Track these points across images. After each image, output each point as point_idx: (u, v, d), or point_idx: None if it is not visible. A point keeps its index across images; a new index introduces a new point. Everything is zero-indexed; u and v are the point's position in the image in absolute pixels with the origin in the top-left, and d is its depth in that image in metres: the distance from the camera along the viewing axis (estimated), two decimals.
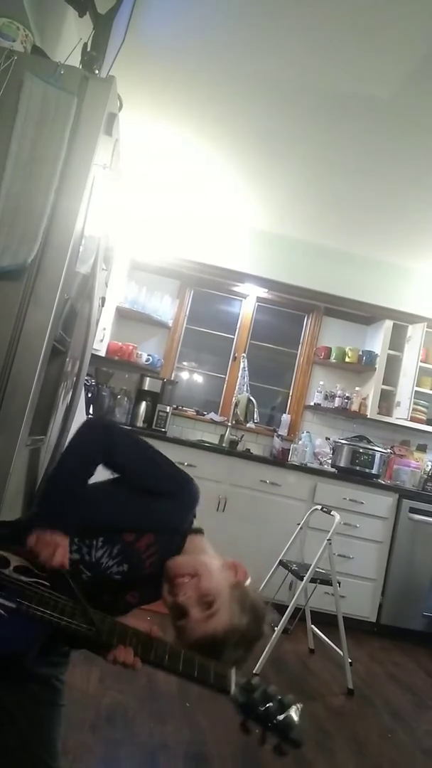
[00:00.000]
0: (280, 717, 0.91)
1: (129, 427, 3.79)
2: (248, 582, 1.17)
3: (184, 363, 4.57)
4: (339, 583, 2.93)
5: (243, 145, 3.12)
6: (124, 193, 3.06)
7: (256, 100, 2.67)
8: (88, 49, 1.89)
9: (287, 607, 2.75)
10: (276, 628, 2.67)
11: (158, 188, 3.81)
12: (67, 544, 1.07)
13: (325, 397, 4.36)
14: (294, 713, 0.92)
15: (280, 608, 2.86)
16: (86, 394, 3.71)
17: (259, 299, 4.54)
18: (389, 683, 2.93)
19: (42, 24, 2.10)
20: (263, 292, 4.46)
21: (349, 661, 2.74)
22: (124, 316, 4.19)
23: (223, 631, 1.06)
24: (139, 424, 3.96)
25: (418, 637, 3.66)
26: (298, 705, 0.94)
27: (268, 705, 0.92)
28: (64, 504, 1.12)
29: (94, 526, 1.14)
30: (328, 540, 2.83)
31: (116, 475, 1.20)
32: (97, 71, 1.88)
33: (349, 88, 2.42)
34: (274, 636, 2.65)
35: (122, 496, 1.18)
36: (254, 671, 2.59)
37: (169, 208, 4.01)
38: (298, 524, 3.15)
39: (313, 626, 3.11)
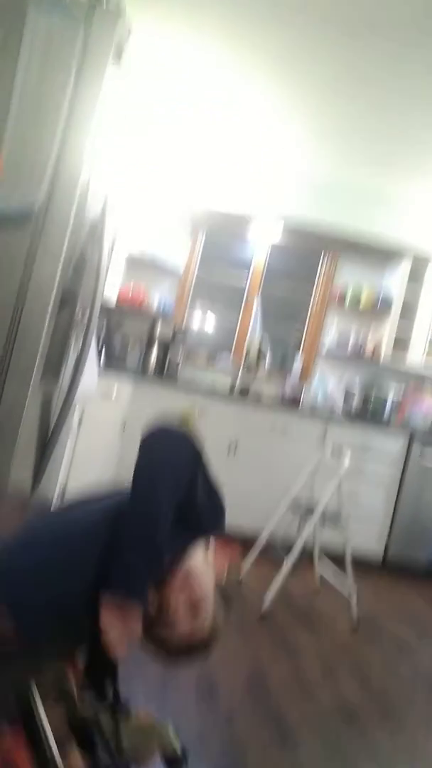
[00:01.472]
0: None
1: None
2: (229, 565, 1.13)
3: (196, 308, 4.53)
4: (347, 523, 3.00)
5: (258, 72, 2.96)
6: (133, 129, 2.95)
7: (276, 19, 2.50)
8: None
9: (295, 545, 2.83)
10: (284, 566, 2.76)
11: (169, 124, 3.66)
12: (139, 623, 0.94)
13: (339, 341, 4.32)
14: None
15: (289, 546, 2.95)
16: (98, 342, 3.71)
17: (273, 239, 4.42)
18: (393, 617, 3.04)
19: None
20: (278, 232, 4.34)
21: (355, 596, 2.85)
22: (134, 262, 4.12)
23: (208, 636, 1.04)
24: (151, 371, 3.98)
25: (422, 573, 3.77)
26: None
27: None
28: (150, 560, 0.94)
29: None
30: (338, 482, 2.88)
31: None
32: None
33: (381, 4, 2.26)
34: (282, 573, 2.75)
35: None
36: (263, 608, 2.70)
37: (179, 146, 3.86)
38: (309, 467, 3.20)
39: (320, 563, 3.22)
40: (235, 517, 3.61)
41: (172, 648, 1.01)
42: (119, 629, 0.90)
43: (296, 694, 2.05)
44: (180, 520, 0.99)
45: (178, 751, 1.06)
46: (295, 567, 2.82)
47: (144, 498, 0.95)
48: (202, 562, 1.07)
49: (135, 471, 0.98)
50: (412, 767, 1.76)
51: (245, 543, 3.50)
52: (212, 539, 1.10)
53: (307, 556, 3.15)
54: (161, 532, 0.94)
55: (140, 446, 0.99)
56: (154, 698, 1.83)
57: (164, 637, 1.00)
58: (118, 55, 1.67)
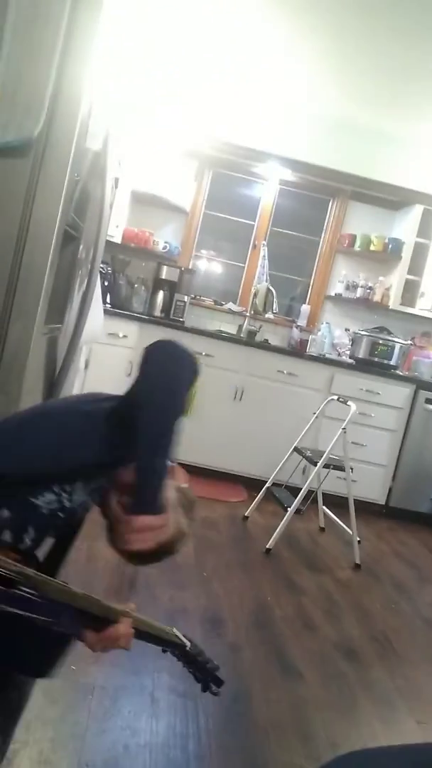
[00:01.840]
0: (211, 664, 1.08)
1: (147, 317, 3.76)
2: (186, 484, 1.10)
3: (203, 251, 4.43)
4: (351, 469, 3.03)
5: (269, 8, 2.77)
6: (136, 54, 2.80)
7: None
8: None
9: (300, 489, 2.87)
10: (289, 509, 2.81)
11: (175, 52, 3.46)
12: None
13: (347, 287, 4.24)
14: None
15: (294, 490, 2.99)
16: (102, 283, 3.65)
17: (281, 182, 4.27)
18: (395, 560, 3.11)
19: None
20: (286, 174, 4.19)
21: (358, 539, 2.90)
22: (139, 200, 4.00)
23: (172, 538, 1.02)
24: (157, 313, 3.93)
25: (424, 519, 3.83)
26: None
27: (203, 654, 1.08)
28: (164, 471, 0.94)
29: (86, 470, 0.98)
30: (343, 429, 2.89)
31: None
32: None
33: None
34: (286, 516, 2.79)
35: (117, 432, 0.97)
36: (267, 546, 2.76)
37: (186, 76, 3.67)
38: (314, 413, 3.20)
39: (324, 507, 3.27)
40: (241, 460, 3.68)
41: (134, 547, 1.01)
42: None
43: (299, 630, 2.12)
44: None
45: (186, 644, 1.06)
46: (300, 509, 2.86)
47: (162, 412, 0.96)
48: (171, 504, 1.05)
49: (149, 380, 0.98)
50: (409, 703, 1.83)
51: (251, 485, 3.56)
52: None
53: (312, 500, 3.20)
54: (167, 434, 0.95)
55: (149, 356, 1.00)
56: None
57: (126, 534, 0.98)
58: None
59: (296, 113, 3.85)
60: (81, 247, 1.69)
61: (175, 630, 1.07)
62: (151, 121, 3.75)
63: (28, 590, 0.81)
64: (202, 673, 1.08)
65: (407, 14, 2.55)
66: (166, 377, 1.00)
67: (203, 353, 3.60)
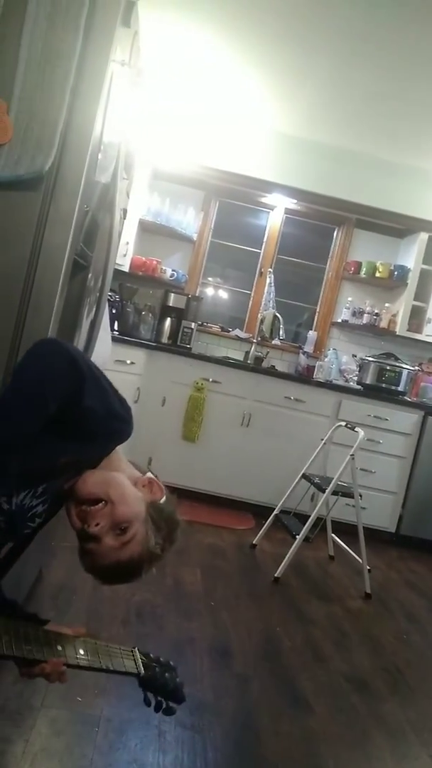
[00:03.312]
0: (171, 685, 1.06)
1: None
2: (164, 498, 1.08)
3: (209, 278, 4.48)
4: (360, 496, 3.00)
5: (269, 43, 2.88)
6: (144, 94, 2.88)
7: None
8: None
9: (309, 516, 2.84)
10: (297, 536, 2.78)
11: (181, 91, 3.57)
12: None
13: (353, 314, 4.26)
14: (176, 676, 1.08)
15: (302, 518, 2.96)
16: (110, 310, 3.69)
17: (287, 211, 4.34)
18: (405, 589, 3.06)
19: None
20: (292, 203, 4.26)
21: (368, 568, 2.86)
22: (147, 229, 4.07)
23: (138, 556, 1.01)
24: (164, 340, 3.96)
25: None
26: (175, 666, 1.10)
27: (163, 676, 1.05)
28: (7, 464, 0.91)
29: (23, 474, 0.96)
30: (351, 455, 2.87)
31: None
32: None
33: None
34: (295, 544, 2.76)
35: (55, 437, 0.95)
36: (276, 575, 2.72)
37: (193, 112, 3.77)
38: (322, 439, 3.19)
39: (333, 535, 3.23)
40: (249, 486, 3.66)
41: (100, 563, 1.01)
42: None
43: (309, 661, 2.08)
44: (74, 429, 0.96)
45: (139, 672, 1.03)
46: (309, 537, 2.83)
47: (7, 401, 0.91)
48: (128, 479, 1.05)
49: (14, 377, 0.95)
50: (422, 736, 1.78)
51: (259, 512, 3.53)
52: (145, 473, 1.10)
53: (320, 528, 3.17)
54: (12, 434, 0.90)
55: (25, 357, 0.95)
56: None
57: (93, 551, 1.00)
58: (128, 16, 1.61)
59: (300, 143, 3.93)
60: (90, 275, 1.73)
61: (136, 651, 1.06)
62: (158, 154, 3.84)
63: None
64: (160, 694, 1.05)
65: (407, 45, 2.62)
66: (18, 375, 0.95)
67: (210, 379, 3.62)
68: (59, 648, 0.93)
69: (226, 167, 3.94)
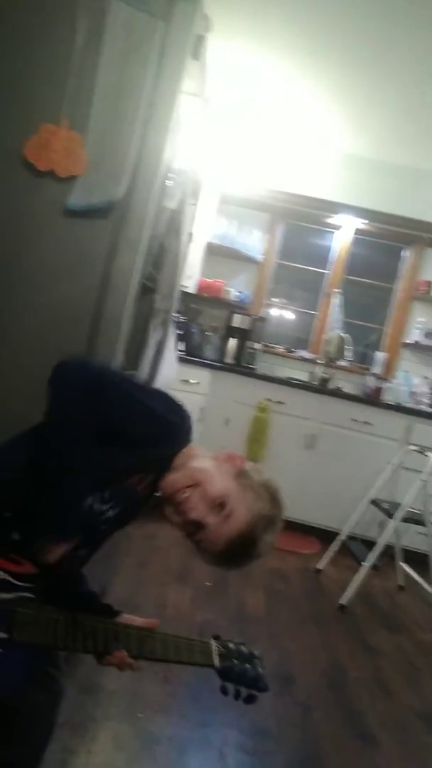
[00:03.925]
0: (251, 673, 1.05)
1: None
2: (249, 465, 1.09)
3: (275, 299, 4.49)
4: None
5: (337, 63, 2.90)
6: (212, 121, 2.97)
7: (347, 8, 2.43)
8: None
9: (376, 543, 2.75)
10: (364, 564, 2.69)
11: (247, 116, 3.65)
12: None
13: (426, 335, 4.13)
14: (258, 666, 1.07)
15: (370, 545, 2.87)
16: (176, 331, 3.77)
17: (356, 231, 4.30)
18: None
19: None
20: (360, 224, 4.21)
21: None
22: (213, 251, 4.15)
23: (247, 525, 1.01)
24: (228, 360, 3.99)
25: None
26: (259, 655, 1.09)
27: (243, 666, 1.05)
28: (69, 505, 0.93)
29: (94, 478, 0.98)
30: (423, 480, 2.77)
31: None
32: None
33: None
34: (362, 570, 2.68)
35: (109, 450, 0.96)
36: (341, 602, 2.64)
37: (259, 136, 3.84)
38: (390, 463, 3.09)
39: (403, 564, 3.11)
40: (314, 510, 3.59)
41: (216, 547, 1.02)
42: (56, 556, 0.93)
43: (375, 694, 2.00)
44: (124, 441, 0.97)
45: (214, 665, 1.03)
46: (377, 565, 2.74)
47: (55, 436, 0.93)
48: (207, 460, 1.07)
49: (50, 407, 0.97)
50: None
51: (325, 537, 3.45)
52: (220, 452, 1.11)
53: (389, 555, 3.06)
54: (74, 471, 0.92)
55: (50, 382, 0.97)
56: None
57: (204, 539, 1.01)
58: (197, 49, 1.68)
59: (369, 163, 3.91)
60: (157, 297, 1.78)
61: (212, 643, 1.06)
62: (226, 179, 3.92)
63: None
64: (240, 684, 1.05)
65: None
66: (55, 397, 0.96)
67: (274, 400, 3.61)
68: (128, 641, 0.96)
69: (293, 189, 3.96)
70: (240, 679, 1.04)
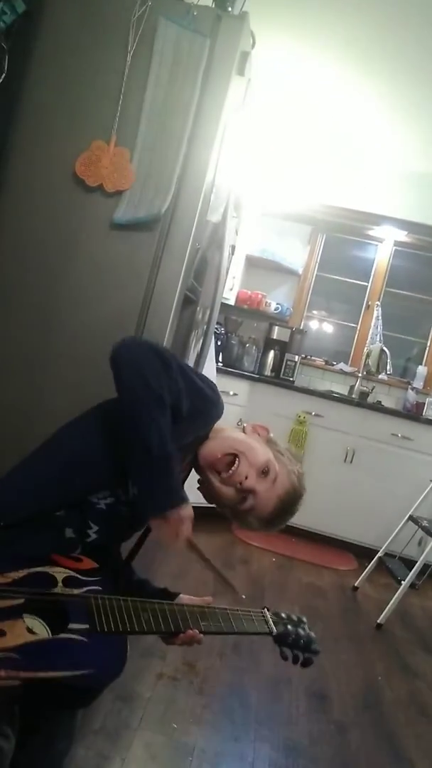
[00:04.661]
0: (304, 636, 1.11)
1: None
2: (271, 434, 1.19)
3: (314, 312, 4.48)
4: None
5: (387, 75, 2.89)
6: (255, 135, 3.00)
7: (404, 21, 2.43)
8: None
9: (416, 562, 2.69)
10: (403, 582, 2.63)
11: (291, 129, 3.66)
12: (190, 512, 0.96)
13: None
14: (308, 629, 1.13)
15: (408, 562, 2.80)
16: (216, 342, 3.79)
17: (396, 243, 4.25)
18: None
19: None
20: (402, 236, 4.17)
21: None
22: (253, 264, 4.17)
23: (291, 485, 1.10)
24: (267, 372, 3.99)
25: None
26: (305, 620, 1.15)
27: (296, 630, 1.11)
28: (170, 463, 0.95)
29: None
30: None
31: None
32: (230, 8, 1.82)
33: None
34: (400, 590, 2.62)
35: None
36: (379, 621, 2.59)
37: (302, 149, 3.85)
38: (431, 480, 3.03)
39: None
40: (351, 526, 3.53)
41: (266, 511, 1.09)
42: (174, 535, 0.95)
43: (413, 716, 1.94)
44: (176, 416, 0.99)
45: (272, 631, 1.09)
46: (415, 584, 2.67)
47: (142, 419, 0.94)
48: (239, 432, 1.15)
49: (118, 380, 0.97)
50: None
51: (362, 554, 3.39)
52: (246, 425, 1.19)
53: (428, 574, 2.98)
54: (167, 436, 0.94)
55: (114, 360, 0.97)
56: (265, 702, 1.83)
57: (254, 505, 1.08)
58: (242, 66, 1.70)
59: (410, 175, 3.87)
60: (198, 309, 1.80)
61: (266, 612, 1.12)
62: (267, 191, 3.94)
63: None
64: (296, 649, 1.10)
65: None
66: (130, 370, 0.96)
67: (313, 413, 3.58)
68: (194, 618, 1.01)
69: (334, 202, 3.96)
70: (296, 642, 1.10)
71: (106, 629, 0.88)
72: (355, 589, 3.02)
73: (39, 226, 1.51)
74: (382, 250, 4.30)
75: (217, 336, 3.87)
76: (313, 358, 4.27)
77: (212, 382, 1.11)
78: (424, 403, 3.89)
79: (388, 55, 2.72)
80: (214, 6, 1.78)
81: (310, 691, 1.94)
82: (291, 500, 1.11)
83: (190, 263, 1.54)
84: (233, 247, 3.43)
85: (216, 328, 3.74)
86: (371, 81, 2.97)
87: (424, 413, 3.83)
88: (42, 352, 1.49)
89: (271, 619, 1.11)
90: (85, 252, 1.49)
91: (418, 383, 4.07)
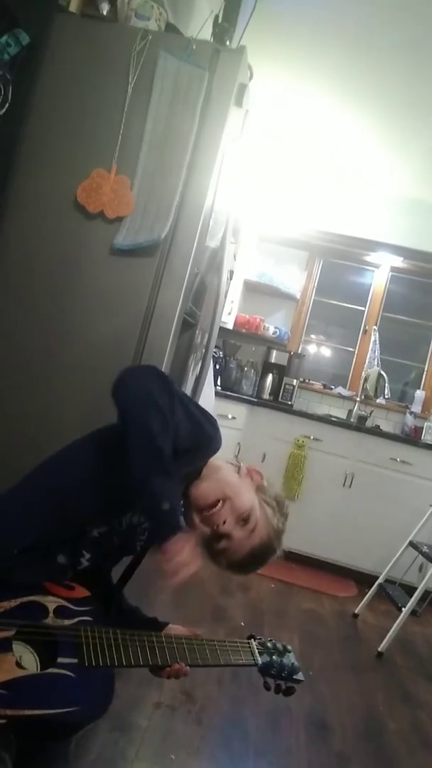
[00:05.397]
0: (288, 666, 1.12)
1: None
2: (265, 481, 1.17)
3: (312, 336, 4.51)
4: None
5: (380, 106, 2.97)
6: (253, 163, 3.06)
7: (395, 55, 2.51)
8: (219, 21, 1.89)
9: (416, 589, 2.66)
10: (404, 609, 2.60)
11: (288, 157, 3.74)
12: (192, 541, 0.94)
13: None
14: (294, 659, 1.15)
15: (409, 589, 2.77)
16: (214, 366, 3.81)
17: (392, 269, 4.31)
18: None
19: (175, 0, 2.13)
20: (398, 262, 4.22)
21: None
22: (251, 288, 4.21)
23: (268, 538, 1.09)
24: (265, 396, 4.00)
25: None
26: (291, 648, 1.17)
27: (280, 660, 1.12)
28: (174, 489, 0.95)
29: (126, 497, 1.00)
30: None
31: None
32: (228, 42, 1.88)
33: None
34: (401, 617, 2.58)
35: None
36: (379, 649, 2.55)
37: (299, 176, 3.92)
38: (431, 505, 3.01)
39: None
40: (351, 551, 3.50)
41: (236, 557, 1.09)
42: (184, 560, 0.92)
43: (415, 747, 1.90)
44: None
45: (257, 663, 1.11)
46: (416, 611, 2.64)
47: (147, 438, 0.93)
48: (232, 474, 1.14)
49: (120, 404, 0.98)
50: None
51: (362, 580, 3.35)
52: (241, 466, 1.18)
53: (429, 601, 2.94)
54: (169, 462, 0.94)
55: (118, 385, 0.99)
56: (264, 732, 1.79)
57: (227, 548, 1.07)
58: (240, 97, 1.75)
59: (405, 202, 3.93)
60: (197, 332, 1.82)
61: (252, 642, 1.13)
62: (265, 217, 4.00)
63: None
64: (279, 678, 1.12)
65: None
66: (132, 395, 0.97)
67: (312, 437, 3.58)
68: (181, 651, 1.01)
69: (330, 228, 4.02)
70: (279, 672, 1.11)
71: (93, 664, 0.88)
72: (356, 616, 2.98)
73: (43, 250, 1.53)
74: (379, 276, 4.35)
75: (216, 359, 3.89)
76: (311, 381, 4.28)
77: (211, 415, 1.11)
78: (423, 428, 3.89)
79: (381, 87, 2.79)
80: (212, 40, 1.84)
81: (310, 721, 1.90)
82: (262, 553, 1.10)
83: (189, 287, 1.56)
84: (232, 272, 3.47)
85: (214, 352, 3.76)
86: (365, 111, 3.05)
87: (422, 437, 3.83)
88: (46, 370, 1.51)
89: (257, 650, 1.12)
90: (87, 276, 1.51)
91: (416, 407, 4.08)
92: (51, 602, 0.91)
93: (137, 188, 1.53)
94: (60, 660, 0.85)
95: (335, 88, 2.89)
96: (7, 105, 1.49)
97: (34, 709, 0.78)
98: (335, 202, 4.00)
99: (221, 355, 4.05)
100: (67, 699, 0.82)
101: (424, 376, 4.28)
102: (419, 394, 4.14)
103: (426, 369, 4.29)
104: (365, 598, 3.01)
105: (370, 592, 3.01)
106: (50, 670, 0.83)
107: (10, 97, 1.49)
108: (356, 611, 2.99)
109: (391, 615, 2.76)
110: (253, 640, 1.13)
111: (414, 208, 3.94)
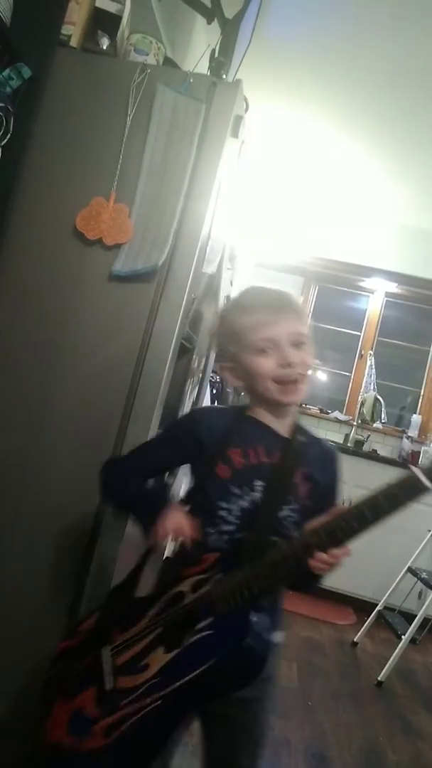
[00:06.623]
0: None
1: None
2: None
3: None
4: None
5: (375, 134, 3.06)
6: (250, 191, 3.11)
7: (391, 86, 2.58)
8: (216, 55, 1.95)
9: (416, 615, 2.63)
10: (403, 637, 2.57)
11: (284, 185, 3.81)
12: (180, 515, 1.02)
13: None
14: None
15: (408, 617, 2.74)
16: (211, 390, 3.81)
17: (388, 294, 4.36)
18: None
19: (173, 35, 2.20)
20: (392, 287, 4.28)
21: None
22: None
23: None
24: None
25: None
26: None
27: None
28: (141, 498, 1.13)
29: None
30: None
31: None
32: (224, 75, 1.93)
33: None
34: (400, 645, 2.55)
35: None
36: (379, 678, 2.51)
37: (294, 204, 3.99)
38: (430, 531, 2.99)
39: None
40: (349, 578, 3.46)
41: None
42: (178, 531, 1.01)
43: None
44: None
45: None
46: (416, 639, 2.61)
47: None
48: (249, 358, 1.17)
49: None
50: None
51: (361, 607, 3.31)
52: None
53: (429, 628, 2.90)
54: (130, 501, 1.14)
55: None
56: (263, 766, 1.74)
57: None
58: (236, 128, 1.80)
59: (399, 228, 4.00)
60: (194, 357, 1.83)
61: (415, 470, 0.95)
62: (261, 244, 4.06)
63: None
64: None
65: None
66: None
67: None
68: (318, 541, 0.95)
69: (326, 254, 4.07)
70: None
71: (227, 609, 0.91)
72: (355, 644, 2.94)
73: (41, 276, 1.55)
74: (374, 301, 4.39)
75: (213, 384, 3.89)
76: (308, 406, 4.29)
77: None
78: (420, 452, 3.89)
79: (376, 117, 2.86)
80: (209, 74, 1.89)
81: (309, 753, 1.86)
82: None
83: (186, 313, 1.57)
84: (228, 297, 3.50)
85: (211, 377, 3.77)
86: (361, 140, 3.12)
87: (420, 462, 3.82)
88: (41, 396, 1.51)
89: (422, 472, 0.88)
90: (85, 302, 1.53)
91: (413, 432, 4.08)
92: (186, 584, 0.98)
93: (135, 216, 1.56)
94: (199, 626, 0.90)
95: (331, 117, 2.95)
96: (8, 136, 1.53)
97: (183, 678, 0.83)
98: (330, 228, 4.06)
99: (218, 380, 4.06)
100: (209, 653, 0.85)
101: (420, 401, 4.30)
102: (416, 418, 4.15)
103: (422, 394, 4.30)
104: (364, 626, 2.97)
105: (369, 620, 2.97)
106: (191, 639, 0.88)
107: (11, 129, 1.52)
108: (355, 639, 2.95)
109: (390, 643, 2.72)
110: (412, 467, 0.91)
111: (408, 235, 4.01)
